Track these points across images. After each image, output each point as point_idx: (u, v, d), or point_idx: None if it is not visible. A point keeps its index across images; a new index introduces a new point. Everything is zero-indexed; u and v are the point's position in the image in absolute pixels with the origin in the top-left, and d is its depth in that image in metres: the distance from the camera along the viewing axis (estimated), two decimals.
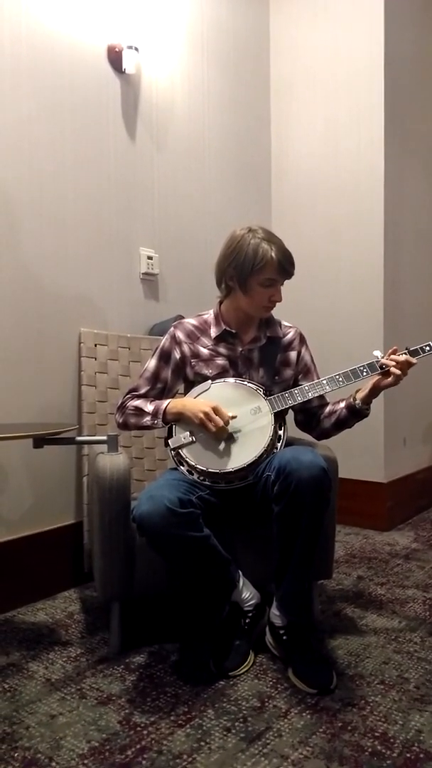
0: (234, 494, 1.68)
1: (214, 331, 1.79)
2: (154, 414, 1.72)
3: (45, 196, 2.15)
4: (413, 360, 1.68)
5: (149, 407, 1.74)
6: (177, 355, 1.80)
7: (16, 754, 1.28)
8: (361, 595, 2.12)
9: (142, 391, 1.80)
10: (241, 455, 1.64)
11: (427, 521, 3.09)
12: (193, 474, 1.67)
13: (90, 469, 2.03)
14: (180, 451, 1.69)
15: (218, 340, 1.79)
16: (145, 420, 1.74)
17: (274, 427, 1.66)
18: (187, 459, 1.68)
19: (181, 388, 1.87)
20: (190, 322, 1.83)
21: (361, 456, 2.91)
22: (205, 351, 1.78)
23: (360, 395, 1.73)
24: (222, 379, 1.74)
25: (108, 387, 2.31)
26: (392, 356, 1.70)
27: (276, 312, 1.82)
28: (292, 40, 3.15)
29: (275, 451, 1.66)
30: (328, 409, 1.82)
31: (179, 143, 2.69)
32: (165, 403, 1.72)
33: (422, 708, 1.44)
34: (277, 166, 3.25)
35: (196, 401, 1.68)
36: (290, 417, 1.83)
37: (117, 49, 2.36)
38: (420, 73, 3.21)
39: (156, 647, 1.75)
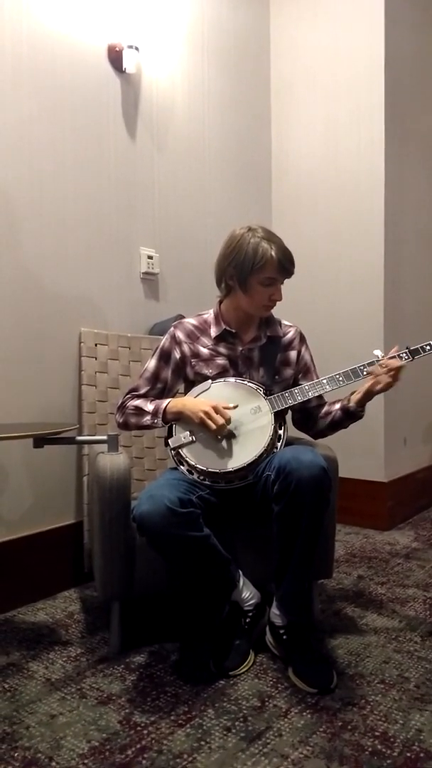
0: (234, 494, 1.68)
1: (214, 331, 1.79)
2: (154, 413, 1.72)
3: (45, 196, 2.15)
4: (403, 363, 1.66)
5: (149, 407, 1.74)
6: (177, 355, 1.80)
7: (16, 754, 1.28)
8: (361, 595, 2.12)
9: (142, 391, 1.80)
10: (241, 455, 1.64)
11: (428, 521, 3.09)
12: (193, 473, 1.67)
13: (90, 468, 2.03)
14: (180, 450, 1.69)
15: (218, 339, 1.79)
16: (145, 419, 1.74)
17: (274, 427, 1.66)
18: (187, 458, 1.68)
19: (181, 387, 1.87)
20: (190, 321, 1.83)
21: (362, 455, 2.91)
22: (205, 351, 1.78)
23: (354, 398, 1.73)
24: (222, 379, 1.74)
25: (108, 387, 2.31)
26: (386, 361, 1.67)
27: (276, 311, 1.82)
28: (292, 40, 3.15)
29: (275, 450, 1.66)
30: (324, 409, 1.82)
31: (179, 143, 2.70)
32: (165, 402, 1.72)
33: (422, 707, 1.44)
34: (277, 166, 3.24)
35: (196, 401, 1.68)
36: (289, 416, 1.83)
37: (117, 49, 2.36)
38: (420, 73, 3.20)
39: (156, 647, 1.75)
